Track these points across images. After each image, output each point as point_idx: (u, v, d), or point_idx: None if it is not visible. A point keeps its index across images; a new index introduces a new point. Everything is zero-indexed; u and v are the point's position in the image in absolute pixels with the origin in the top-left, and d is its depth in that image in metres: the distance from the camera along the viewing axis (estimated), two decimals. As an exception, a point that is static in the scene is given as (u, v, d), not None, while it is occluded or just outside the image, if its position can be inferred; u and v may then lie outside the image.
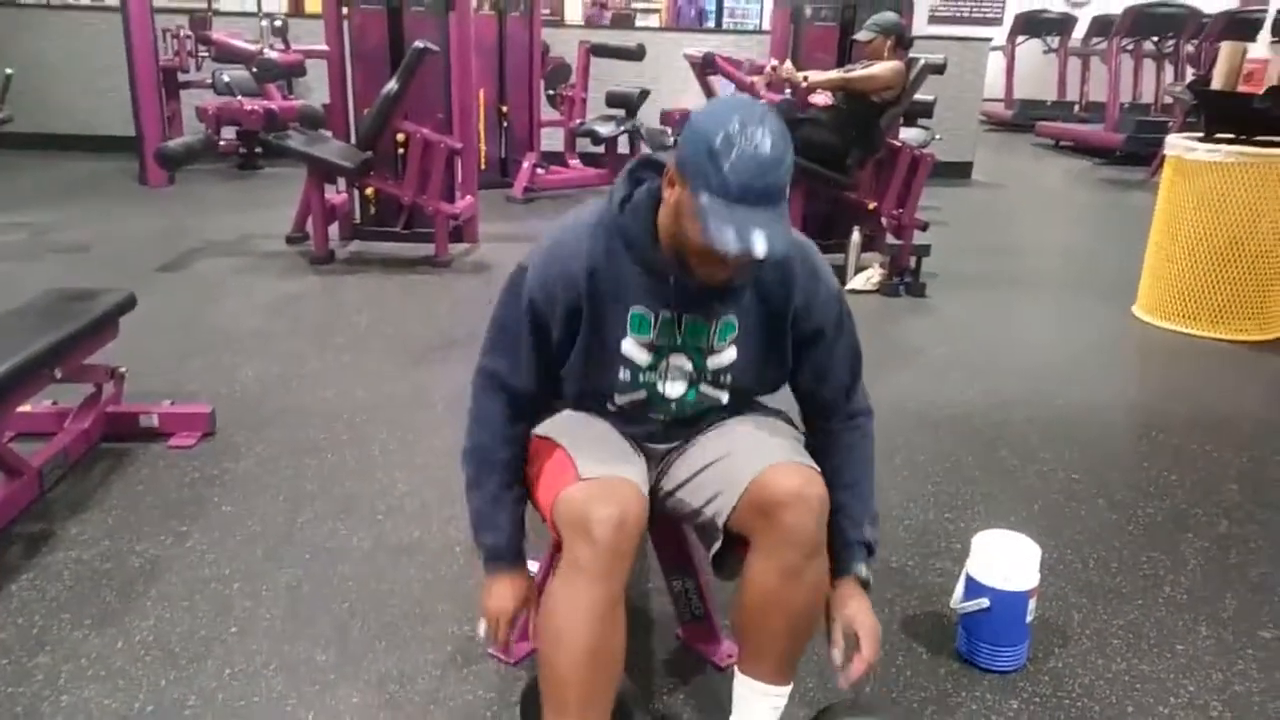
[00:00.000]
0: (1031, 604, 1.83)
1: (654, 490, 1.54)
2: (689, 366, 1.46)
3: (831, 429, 1.53)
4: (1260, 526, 2.47)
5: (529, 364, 1.49)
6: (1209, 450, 2.94)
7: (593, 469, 1.40)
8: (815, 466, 1.44)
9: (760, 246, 1.20)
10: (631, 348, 1.44)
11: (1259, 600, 2.13)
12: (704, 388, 1.49)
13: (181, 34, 6.76)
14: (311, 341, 3.67)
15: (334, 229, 4.96)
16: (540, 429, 1.57)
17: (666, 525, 1.72)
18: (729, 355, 1.46)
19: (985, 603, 1.81)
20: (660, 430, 1.54)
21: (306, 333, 3.79)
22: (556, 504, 1.40)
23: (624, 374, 1.46)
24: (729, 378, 1.48)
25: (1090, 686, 1.82)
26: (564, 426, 1.54)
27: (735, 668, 1.51)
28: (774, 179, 1.22)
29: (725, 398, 1.51)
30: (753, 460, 1.43)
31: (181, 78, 7.05)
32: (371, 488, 2.50)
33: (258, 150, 7.06)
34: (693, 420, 1.54)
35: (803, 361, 1.51)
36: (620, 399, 1.50)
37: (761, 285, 1.43)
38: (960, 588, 1.87)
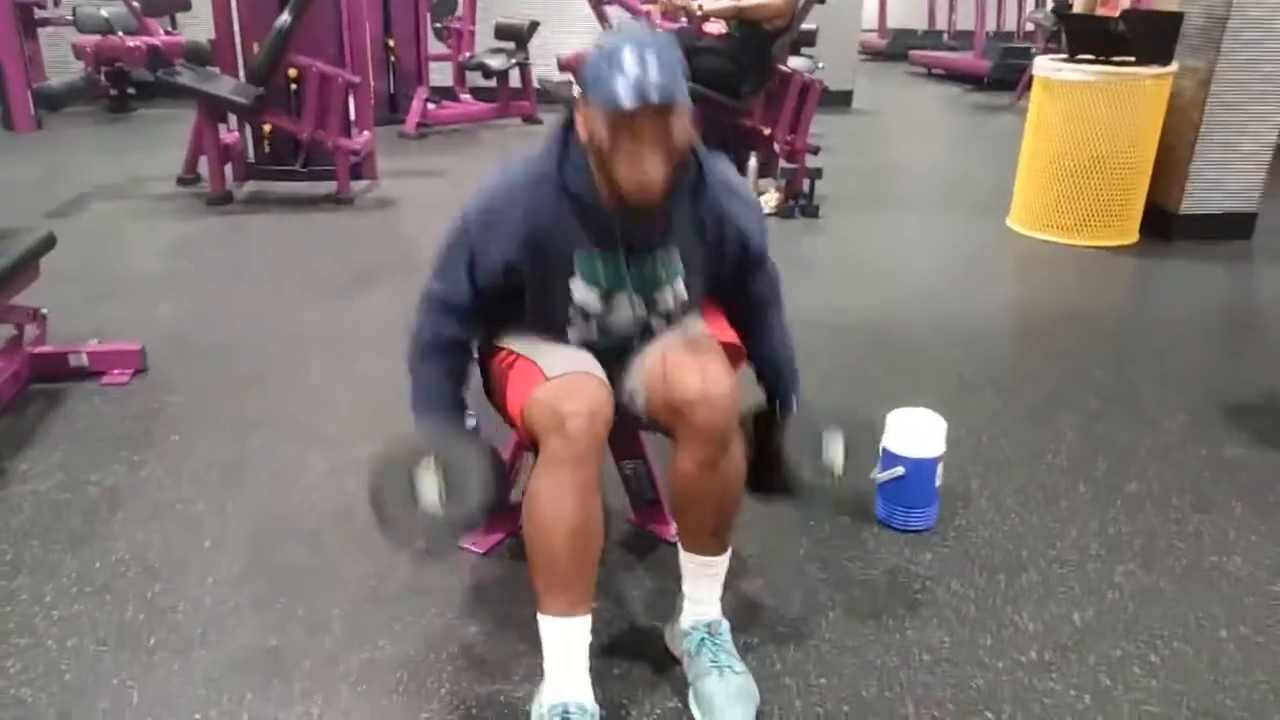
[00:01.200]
0: (939, 469, 2.09)
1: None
2: (640, 307, 1.59)
3: (748, 287, 1.71)
4: (1122, 402, 2.81)
5: (469, 283, 1.58)
6: (1078, 341, 3.29)
7: (558, 370, 1.53)
8: (714, 346, 1.58)
9: (655, 88, 1.34)
10: (580, 288, 1.56)
11: (1124, 461, 2.45)
12: (654, 322, 1.62)
13: (36, -34, 6.34)
14: (224, 280, 3.65)
15: (228, 169, 4.85)
16: (503, 341, 1.67)
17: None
18: (678, 290, 1.60)
19: (900, 471, 2.05)
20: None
21: (217, 272, 3.76)
22: (527, 405, 1.51)
23: (574, 314, 1.59)
24: (679, 308, 1.63)
25: (990, 538, 2.10)
26: (525, 340, 1.64)
27: (679, 545, 1.67)
28: (663, 76, 1.35)
29: (676, 316, 1.64)
30: (653, 349, 1.58)
31: (38, 15, 6.63)
32: (316, 411, 2.58)
33: (130, 90, 6.74)
34: None
35: (741, 269, 1.68)
36: (573, 335, 1.61)
37: (696, 221, 1.58)
38: (878, 461, 2.11)
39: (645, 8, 4.92)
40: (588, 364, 1.57)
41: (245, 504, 2.13)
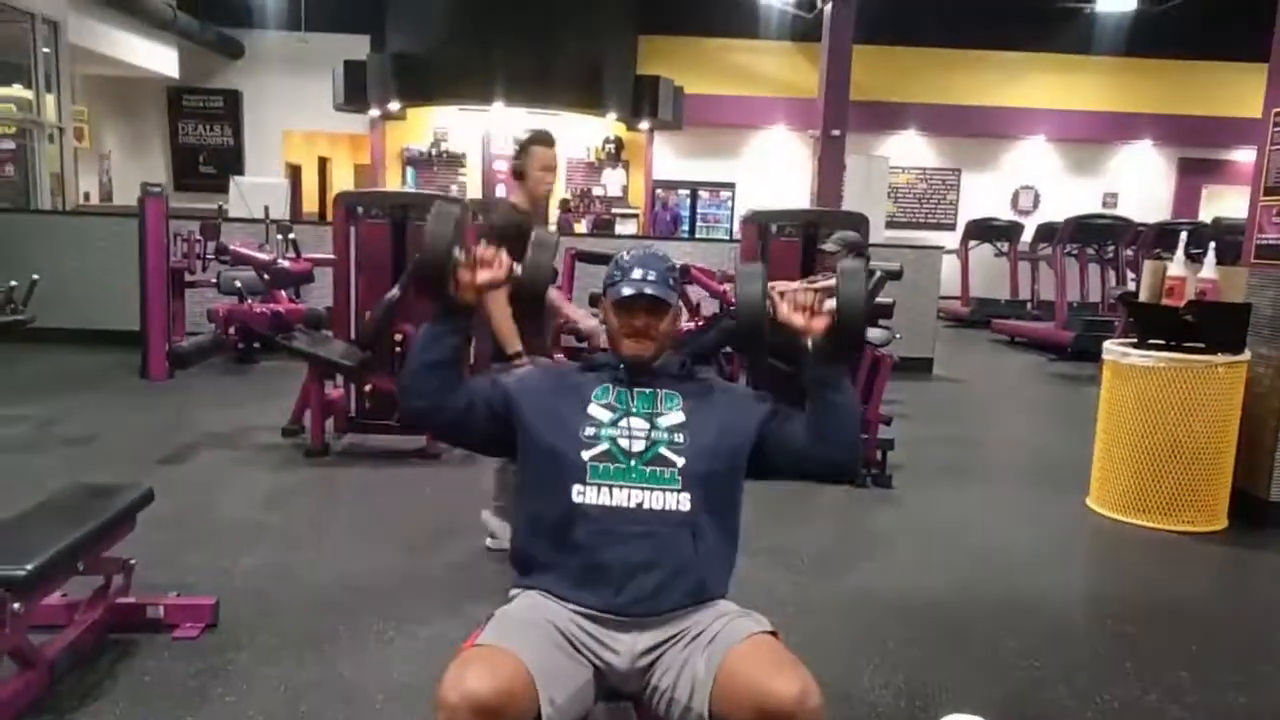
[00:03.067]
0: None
1: (643, 692, 1.72)
2: (645, 426, 1.84)
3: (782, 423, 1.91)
4: (1208, 713, 2.62)
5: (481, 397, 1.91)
6: (1160, 638, 3.12)
7: (488, 639, 1.61)
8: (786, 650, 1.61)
9: (648, 287, 1.86)
10: (595, 408, 1.87)
11: (1209, 783, 2.26)
12: (662, 450, 1.81)
13: (192, 238, 7.21)
14: (307, 533, 3.82)
15: (329, 423, 5.20)
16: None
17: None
18: (677, 417, 1.86)
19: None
20: (625, 586, 1.72)
21: (302, 524, 3.95)
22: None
23: (589, 429, 1.83)
24: (681, 438, 1.82)
25: None
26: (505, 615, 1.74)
27: None
28: (654, 286, 1.87)
29: (681, 462, 1.79)
30: (727, 638, 1.63)
31: (187, 277, 7.46)
32: (369, 676, 2.62)
33: (256, 345, 7.39)
34: (652, 565, 1.73)
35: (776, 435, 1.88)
36: (587, 453, 1.79)
37: (690, 390, 1.92)
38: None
39: (722, 287, 5.27)
40: (528, 644, 1.61)
41: (284, 775, 2.14)
